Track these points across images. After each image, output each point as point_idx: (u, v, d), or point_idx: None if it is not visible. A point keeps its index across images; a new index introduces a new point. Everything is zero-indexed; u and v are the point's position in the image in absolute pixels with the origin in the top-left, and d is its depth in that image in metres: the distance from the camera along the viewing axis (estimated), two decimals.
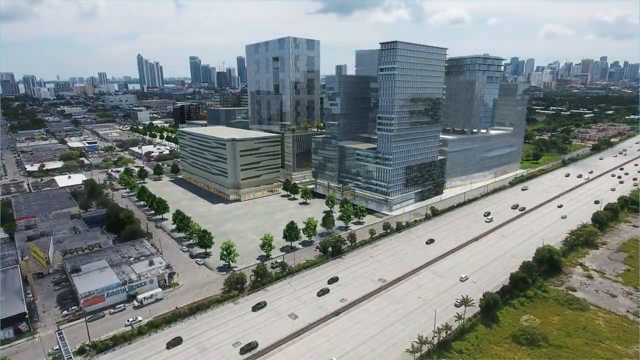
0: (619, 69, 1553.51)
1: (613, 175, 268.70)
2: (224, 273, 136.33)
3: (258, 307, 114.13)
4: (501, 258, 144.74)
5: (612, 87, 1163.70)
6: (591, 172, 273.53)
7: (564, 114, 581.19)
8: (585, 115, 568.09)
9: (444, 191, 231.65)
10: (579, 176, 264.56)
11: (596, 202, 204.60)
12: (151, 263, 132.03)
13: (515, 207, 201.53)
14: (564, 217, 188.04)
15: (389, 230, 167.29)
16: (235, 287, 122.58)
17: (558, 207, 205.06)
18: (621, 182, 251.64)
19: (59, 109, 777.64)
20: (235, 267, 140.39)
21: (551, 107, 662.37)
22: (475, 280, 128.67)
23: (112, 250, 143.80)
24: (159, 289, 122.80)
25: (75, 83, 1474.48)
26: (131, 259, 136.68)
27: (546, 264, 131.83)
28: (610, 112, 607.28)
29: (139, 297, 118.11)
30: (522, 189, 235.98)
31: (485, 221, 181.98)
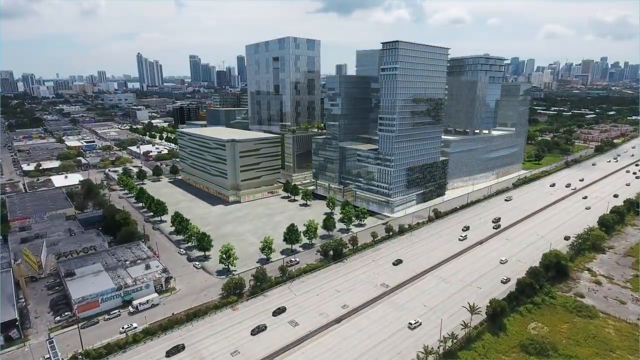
0: (619, 70, 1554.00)
1: (628, 172, 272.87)
2: (223, 277, 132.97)
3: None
4: (507, 262, 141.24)
5: (612, 88, 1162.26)
6: (582, 180, 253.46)
7: (566, 115, 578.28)
8: (587, 116, 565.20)
9: (445, 192, 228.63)
10: (568, 185, 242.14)
11: (615, 196, 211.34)
12: (147, 267, 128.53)
13: (496, 220, 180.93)
14: (588, 208, 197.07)
15: (391, 233, 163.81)
16: (233, 292, 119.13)
17: (584, 198, 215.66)
18: (637, 177, 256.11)
19: (57, 107, 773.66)
20: (235, 270, 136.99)
21: (552, 108, 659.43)
22: (481, 286, 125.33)
23: (107, 253, 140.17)
24: (155, 294, 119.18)
25: (75, 81, 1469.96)
26: (127, 262, 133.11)
27: (553, 269, 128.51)
28: (612, 112, 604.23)
29: (135, 302, 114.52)
30: (505, 199, 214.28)
31: (459, 239, 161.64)
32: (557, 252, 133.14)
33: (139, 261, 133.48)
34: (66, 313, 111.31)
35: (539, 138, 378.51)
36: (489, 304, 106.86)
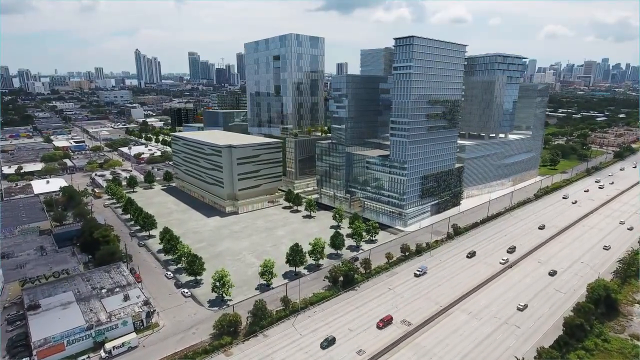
0: (620, 71, 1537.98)
1: None
2: (216, 309, 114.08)
3: None
4: (543, 293, 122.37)
5: (616, 89, 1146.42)
6: (542, 228, 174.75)
7: (575, 117, 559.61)
8: (598, 119, 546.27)
9: (461, 202, 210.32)
10: (504, 261, 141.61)
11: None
12: (126, 297, 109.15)
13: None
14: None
15: (407, 254, 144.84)
16: (227, 332, 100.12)
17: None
18: None
19: (51, 104, 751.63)
20: (230, 300, 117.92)
21: (560, 110, 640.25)
22: (519, 325, 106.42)
23: (81, 279, 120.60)
24: (133, 334, 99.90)
25: (72, 77, 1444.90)
26: (103, 290, 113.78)
27: (603, 305, 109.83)
28: (622, 115, 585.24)
29: (108, 345, 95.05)
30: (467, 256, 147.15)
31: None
32: (605, 283, 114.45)
33: (117, 289, 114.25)
34: (24, 359, 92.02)
35: (554, 142, 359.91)
36: (536, 355, 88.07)
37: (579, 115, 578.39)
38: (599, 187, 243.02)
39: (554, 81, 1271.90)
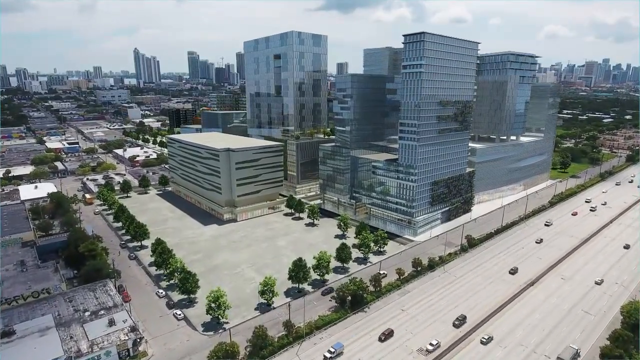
0: (621, 72, 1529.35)
1: None
2: (211, 333, 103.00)
3: None
4: (571, 315, 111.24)
5: (617, 90, 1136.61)
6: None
7: (581, 119, 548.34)
8: (604, 120, 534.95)
9: (471, 208, 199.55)
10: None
11: None
12: (111, 322, 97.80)
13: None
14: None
15: (419, 269, 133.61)
16: None
17: None
18: None
19: (47, 103, 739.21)
20: (227, 322, 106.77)
21: (564, 111, 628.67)
22: (549, 354, 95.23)
23: (63, 299, 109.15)
24: None
25: (71, 77, 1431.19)
26: (86, 313, 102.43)
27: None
28: (628, 117, 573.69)
29: None
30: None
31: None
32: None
33: (102, 312, 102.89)
34: None
35: (563, 145, 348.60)
36: None
37: (584, 117, 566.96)
38: (591, 209, 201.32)
39: (555, 81, 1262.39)
